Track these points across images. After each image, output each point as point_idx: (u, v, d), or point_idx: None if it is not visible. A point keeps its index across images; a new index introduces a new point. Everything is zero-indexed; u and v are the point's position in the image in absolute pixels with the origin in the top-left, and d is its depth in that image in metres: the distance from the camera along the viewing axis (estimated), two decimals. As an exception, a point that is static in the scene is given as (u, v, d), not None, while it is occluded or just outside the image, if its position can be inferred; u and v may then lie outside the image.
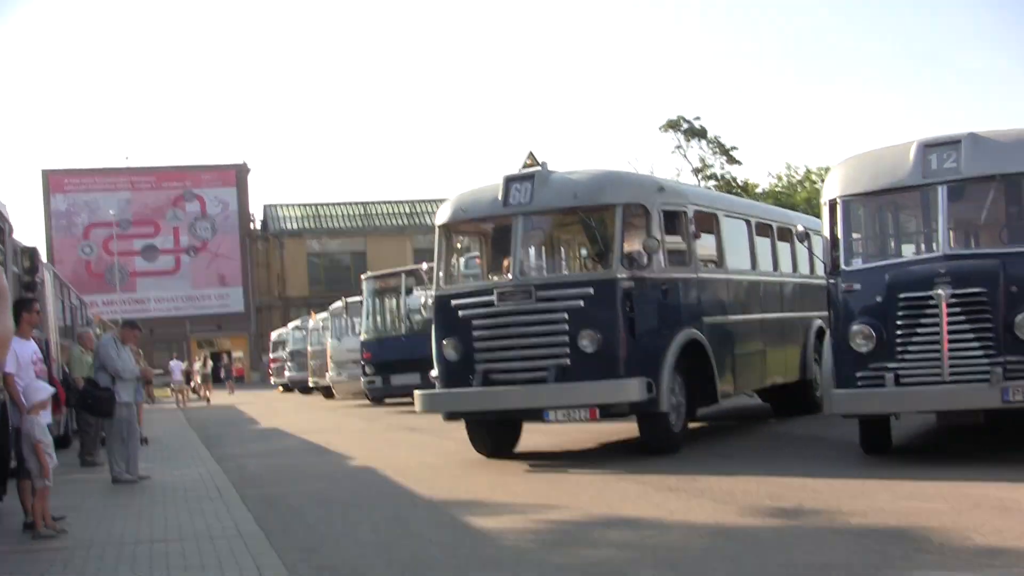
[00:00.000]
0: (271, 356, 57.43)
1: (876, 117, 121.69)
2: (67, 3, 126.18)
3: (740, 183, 54.74)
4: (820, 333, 18.54)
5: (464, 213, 14.90)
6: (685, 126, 55.06)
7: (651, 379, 13.35)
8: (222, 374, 59.09)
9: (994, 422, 12.36)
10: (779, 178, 53.30)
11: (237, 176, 79.64)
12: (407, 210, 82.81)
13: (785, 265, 18.79)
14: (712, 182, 51.46)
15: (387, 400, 30.86)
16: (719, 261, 16.10)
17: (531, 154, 14.38)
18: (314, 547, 9.50)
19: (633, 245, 13.99)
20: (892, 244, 14.01)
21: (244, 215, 79.90)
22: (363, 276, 31.29)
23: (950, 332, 11.27)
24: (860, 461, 12.62)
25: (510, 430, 15.61)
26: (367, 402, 32.78)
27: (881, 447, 12.92)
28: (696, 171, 60.39)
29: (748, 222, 17.37)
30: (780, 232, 18.51)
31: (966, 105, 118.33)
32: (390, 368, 27.66)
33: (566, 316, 13.37)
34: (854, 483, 11.12)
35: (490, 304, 13.81)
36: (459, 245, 15.91)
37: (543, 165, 14.30)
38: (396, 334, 28.54)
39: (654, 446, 14.13)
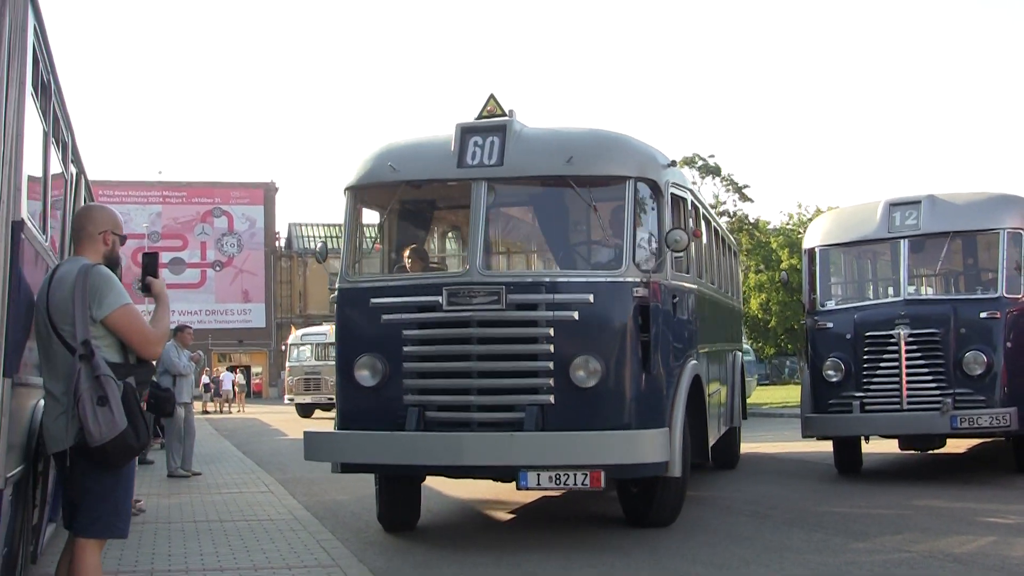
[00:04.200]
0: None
1: (885, 159, 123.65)
2: (105, 19, 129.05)
3: (752, 220, 56.06)
4: (741, 368, 16.37)
5: (394, 172, 10.14)
6: (700, 163, 56.37)
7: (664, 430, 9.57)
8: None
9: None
10: (790, 216, 54.48)
11: (265, 194, 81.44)
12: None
13: (725, 283, 15.48)
14: (725, 219, 52.82)
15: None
16: (698, 271, 12.13)
17: (492, 97, 10.14)
18: (360, 529, 11.25)
19: (640, 234, 9.95)
20: (861, 288, 15.77)
21: (270, 233, 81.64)
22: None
23: (908, 367, 13.09)
24: (832, 479, 14.49)
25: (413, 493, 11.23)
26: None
27: (852, 467, 14.79)
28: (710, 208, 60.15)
29: (709, 223, 13.55)
30: (720, 242, 15.14)
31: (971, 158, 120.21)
32: None
33: (551, 333, 9.20)
34: (822, 493, 13.15)
35: (435, 307, 9.40)
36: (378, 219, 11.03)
37: (510, 114, 10.10)
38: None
39: (659, 519, 10.37)
